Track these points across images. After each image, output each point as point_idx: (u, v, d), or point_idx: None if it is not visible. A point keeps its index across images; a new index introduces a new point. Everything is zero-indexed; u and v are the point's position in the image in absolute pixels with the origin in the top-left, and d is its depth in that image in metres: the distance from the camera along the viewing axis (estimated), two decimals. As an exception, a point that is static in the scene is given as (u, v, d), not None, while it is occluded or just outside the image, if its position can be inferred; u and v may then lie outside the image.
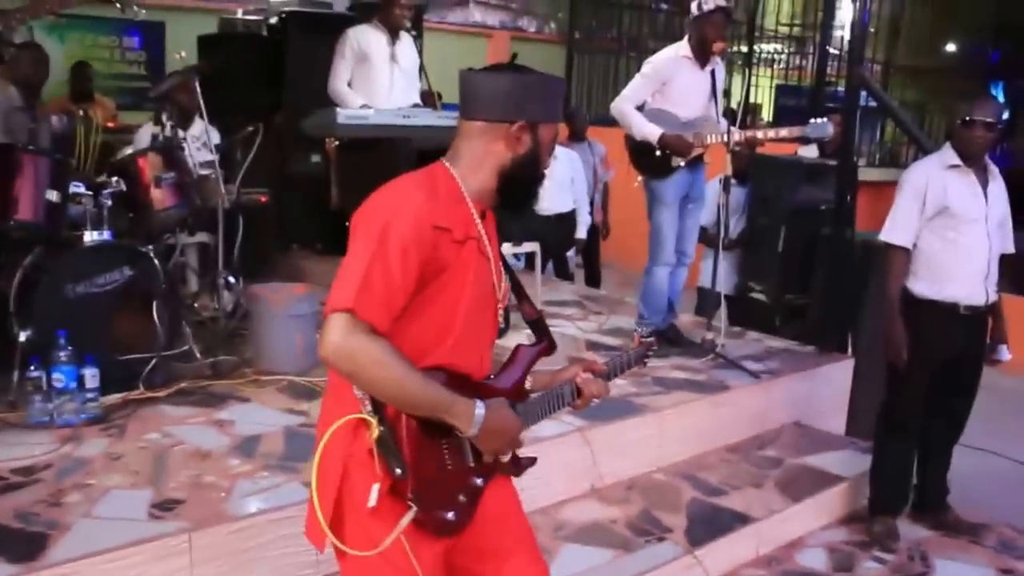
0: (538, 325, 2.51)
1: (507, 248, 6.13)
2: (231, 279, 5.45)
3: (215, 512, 3.40)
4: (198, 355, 4.82)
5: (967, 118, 4.36)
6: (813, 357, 6.08)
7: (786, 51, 14.79)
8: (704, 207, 5.88)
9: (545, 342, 2.48)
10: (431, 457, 2.20)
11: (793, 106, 13.70)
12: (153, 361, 4.48)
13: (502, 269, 2.36)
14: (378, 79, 6.31)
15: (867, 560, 4.46)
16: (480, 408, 2.17)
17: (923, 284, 4.48)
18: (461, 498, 2.28)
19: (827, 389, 5.93)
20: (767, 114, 14.50)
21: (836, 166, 6.33)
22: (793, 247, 6.85)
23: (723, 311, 5.96)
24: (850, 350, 6.27)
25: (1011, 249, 4.62)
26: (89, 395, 4.16)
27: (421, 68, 6.54)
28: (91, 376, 4.16)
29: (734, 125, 5.57)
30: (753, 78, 12.84)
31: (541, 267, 6.72)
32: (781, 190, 6.88)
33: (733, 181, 6.59)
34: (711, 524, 4.30)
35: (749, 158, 6.58)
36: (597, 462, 4.38)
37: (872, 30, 13.15)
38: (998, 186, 4.51)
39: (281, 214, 7.40)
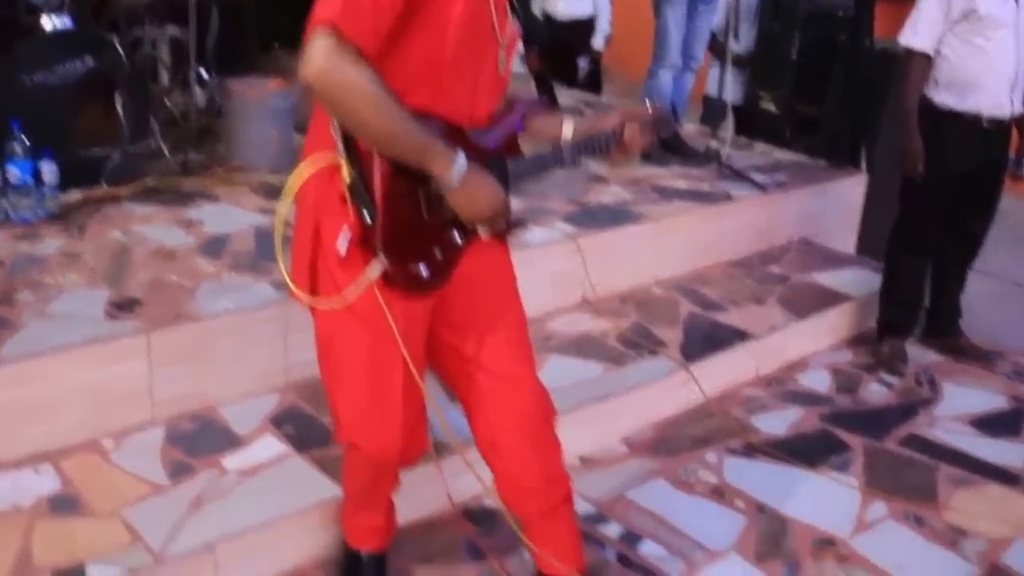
0: (541, 79, 2.36)
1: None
2: (204, 74, 5.19)
3: (177, 312, 3.26)
4: (167, 152, 4.62)
5: None
6: (824, 171, 5.87)
7: None
8: (716, 10, 5.59)
9: (545, 97, 2.32)
10: (406, 206, 2.06)
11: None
12: (116, 156, 4.27)
13: (507, 9, 2.15)
14: None
15: (872, 383, 4.36)
16: (462, 159, 2.00)
17: (944, 93, 4.25)
18: (436, 253, 2.15)
19: (838, 205, 5.75)
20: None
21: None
22: (807, 55, 6.57)
23: (729, 120, 5.73)
24: (864, 165, 6.07)
25: None
26: (47, 191, 3.97)
27: None
28: (49, 171, 3.97)
29: None
30: None
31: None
32: (796, -8, 6.55)
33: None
34: (708, 340, 4.18)
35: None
36: (589, 272, 4.23)
37: None
38: None
39: (263, 12, 7.05)
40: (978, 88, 4.20)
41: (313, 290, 2.14)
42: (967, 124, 4.24)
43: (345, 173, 1.99)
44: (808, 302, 4.68)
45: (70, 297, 3.32)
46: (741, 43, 6.46)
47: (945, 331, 4.74)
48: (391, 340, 2.12)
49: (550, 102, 2.35)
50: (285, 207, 2.09)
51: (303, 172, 2.07)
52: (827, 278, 5.00)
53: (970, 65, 4.19)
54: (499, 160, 2.19)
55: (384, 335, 2.11)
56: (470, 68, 2.08)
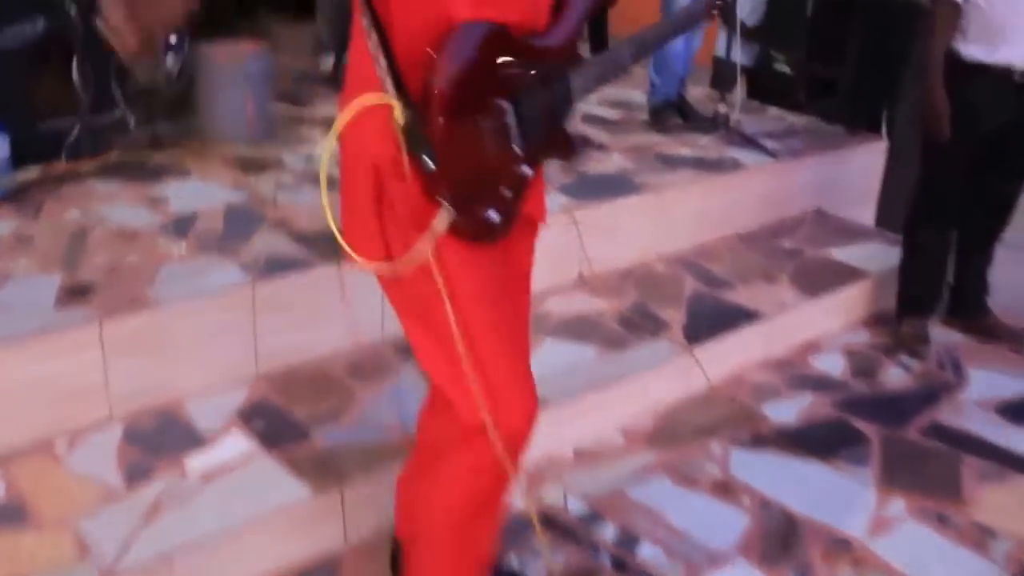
0: None
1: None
2: (174, 38, 5.03)
3: (134, 299, 3.13)
4: (132, 123, 4.47)
5: None
6: (841, 137, 5.71)
7: None
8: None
9: None
10: (468, 143, 1.90)
11: None
12: (76, 128, 4.13)
13: None
14: None
15: (892, 366, 4.22)
16: None
17: (973, 45, 4.07)
18: (506, 192, 2.01)
19: (856, 174, 5.60)
20: None
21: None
22: (823, 11, 6.37)
23: (740, 83, 5.57)
24: (884, 131, 5.91)
25: None
26: (-2, 168, 3.84)
27: None
28: (0, 146, 3.82)
29: None
30: None
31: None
32: (812, -58, 6.35)
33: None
34: (714, 320, 4.05)
35: None
36: (586, 247, 4.09)
37: None
38: None
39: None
40: (1009, 38, 4.00)
41: (388, 254, 1.99)
42: (997, 78, 4.04)
43: (398, 114, 1.83)
44: (822, 279, 4.55)
45: (19, 284, 3.19)
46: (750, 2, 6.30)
47: (971, 309, 4.59)
48: (494, 284, 2.03)
49: None
50: (328, 155, 1.91)
51: (350, 113, 1.89)
52: (843, 253, 4.86)
53: (1001, 12, 3.99)
54: (561, 70, 2.07)
55: (489, 279, 2.02)
56: None
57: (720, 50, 6.38)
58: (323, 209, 1.92)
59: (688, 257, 4.58)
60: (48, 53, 4.08)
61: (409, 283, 2.00)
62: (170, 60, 4.94)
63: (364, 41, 1.87)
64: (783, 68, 6.46)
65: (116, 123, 4.44)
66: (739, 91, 5.57)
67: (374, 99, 1.85)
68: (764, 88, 6.39)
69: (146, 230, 3.64)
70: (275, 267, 3.40)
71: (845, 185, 5.50)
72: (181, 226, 3.70)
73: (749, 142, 5.23)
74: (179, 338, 3.13)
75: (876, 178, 5.72)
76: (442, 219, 1.87)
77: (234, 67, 4.58)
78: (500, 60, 1.92)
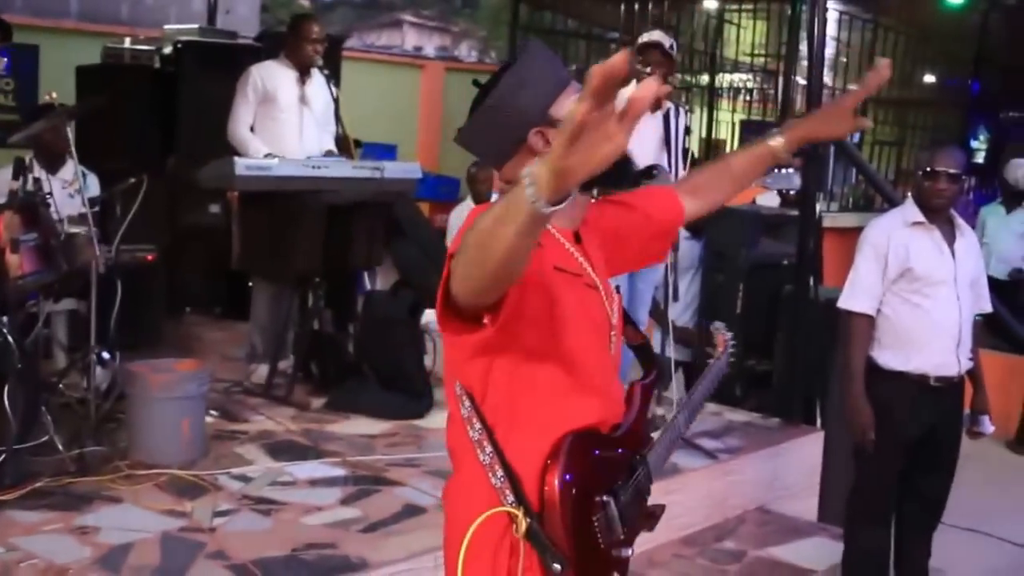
0: (644, 350, 2.47)
1: (431, 315, 5.95)
2: (105, 354, 5.19)
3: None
4: (60, 446, 4.54)
5: (928, 169, 4.31)
6: (778, 431, 5.99)
7: (753, 83, 14.86)
8: (656, 269, 5.76)
9: (653, 371, 2.42)
10: (585, 540, 2.11)
11: (756, 143, 13.70)
12: (2, 456, 4.19)
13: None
14: (286, 123, 6.16)
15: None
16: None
17: (889, 354, 4.39)
18: (614, 574, 2.24)
19: (795, 467, 5.83)
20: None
21: (798, 216, 6.25)
22: (753, 307, 6.76)
23: (676, 381, 5.82)
24: (819, 421, 6.17)
25: (986, 308, 4.61)
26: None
27: (337, 111, 6.35)
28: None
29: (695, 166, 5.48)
30: (717, 112, 12.85)
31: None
32: (738, 244, 6.80)
33: (686, 234, 6.55)
34: (660, 635, 4.13)
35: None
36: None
37: (844, 59, 13.30)
38: (967, 242, 4.47)
39: (172, 274, 7.17)
40: (921, 347, 4.33)
41: None
42: (915, 385, 4.35)
43: (520, 521, 2.04)
44: (766, 581, 4.67)
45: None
46: (682, 300, 6.64)
47: (914, 602, 4.72)
48: None
49: (655, 371, 2.44)
50: None
51: (471, 532, 2.08)
52: (786, 551, 5.02)
53: (911, 324, 4.34)
54: (640, 454, 2.29)
55: None
56: (593, 357, 2.19)
57: (656, 348, 6.69)
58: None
59: (631, 566, 4.66)
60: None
61: None
62: (99, 375, 5.08)
63: (474, 454, 2.10)
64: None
65: (42, 445, 4.51)
66: (676, 391, 5.79)
67: (499, 511, 2.06)
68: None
69: (77, 565, 3.67)
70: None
71: (786, 479, 5.70)
72: (114, 559, 3.74)
73: (688, 445, 5.42)
74: None
75: (815, 469, 5.93)
76: None
77: (168, 389, 4.70)
78: (601, 462, 2.15)
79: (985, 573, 5.57)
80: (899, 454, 4.41)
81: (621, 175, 2.17)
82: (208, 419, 5.10)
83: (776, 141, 2.47)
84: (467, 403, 2.12)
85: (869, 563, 4.58)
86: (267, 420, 5.37)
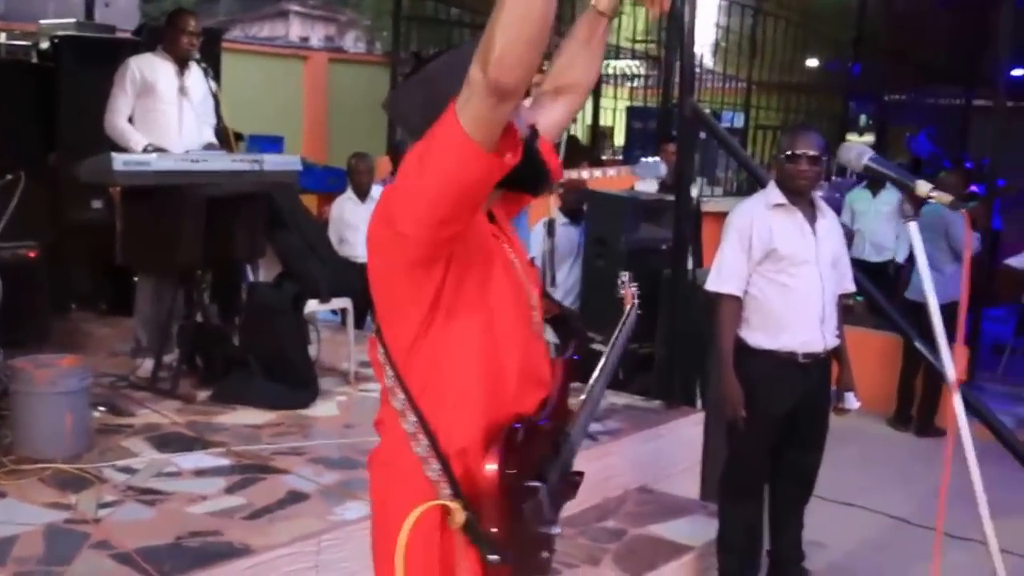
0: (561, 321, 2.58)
1: (314, 305, 6.09)
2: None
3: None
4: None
5: (789, 152, 4.52)
6: (660, 413, 6.20)
7: (640, 70, 15.14)
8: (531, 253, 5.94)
9: (573, 344, 2.53)
10: (519, 525, 2.20)
11: (643, 129, 14.01)
12: None
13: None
14: (165, 116, 6.25)
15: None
16: None
17: (757, 333, 4.62)
18: (545, 555, 2.32)
19: (677, 447, 6.03)
20: (619, 138, 14.79)
21: (673, 202, 6.47)
22: (634, 291, 6.93)
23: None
24: (700, 402, 6.39)
25: (850, 288, 4.85)
26: None
27: (217, 104, 6.44)
28: None
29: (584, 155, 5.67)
30: (605, 100, 13.07)
31: (356, 323, 6.66)
32: (618, 230, 6.96)
33: (564, 220, 6.73)
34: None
35: (579, 195, 6.68)
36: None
37: (723, 45, 13.65)
38: (829, 222, 4.69)
39: (57, 271, 7.18)
40: (787, 326, 4.57)
41: None
42: (783, 362, 4.59)
43: (457, 514, 2.13)
44: (644, 556, 4.88)
45: None
46: (563, 287, 6.84)
47: (787, 575, 4.96)
48: None
49: (578, 343, 2.58)
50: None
51: (409, 524, 2.13)
52: (665, 528, 5.21)
53: (776, 303, 4.57)
54: (563, 431, 2.40)
55: None
56: (520, 337, 2.29)
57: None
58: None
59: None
60: None
61: None
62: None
63: (408, 446, 2.19)
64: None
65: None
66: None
67: (435, 503, 2.16)
68: (584, 368, 6.81)
69: (-41, 561, 3.75)
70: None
71: (667, 459, 5.91)
72: (-2, 551, 3.82)
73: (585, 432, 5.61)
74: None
75: (697, 450, 6.15)
76: None
77: (51, 384, 4.76)
78: (531, 447, 2.22)
79: (862, 544, 5.85)
80: (769, 430, 4.65)
81: (538, 177, 2.31)
82: (95, 414, 5.19)
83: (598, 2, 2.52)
84: (400, 395, 2.19)
85: (741, 537, 4.83)
86: (153, 413, 5.44)
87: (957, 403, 2.86)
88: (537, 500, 2.23)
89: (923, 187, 2.79)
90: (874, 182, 9.59)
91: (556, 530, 2.34)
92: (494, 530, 2.16)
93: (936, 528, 3.03)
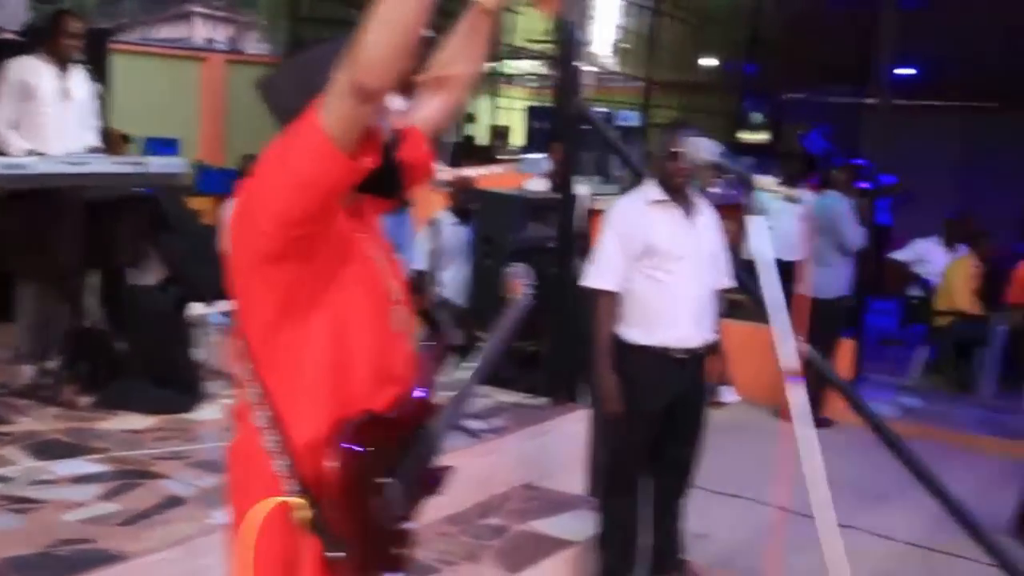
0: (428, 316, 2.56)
1: (202, 308, 6.08)
2: None
3: None
4: None
5: (670, 150, 4.59)
6: (546, 410, 6.25)
7: (539, 69, 15.24)
8: (415, 252, 5.99)
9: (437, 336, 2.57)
10: (367, 521, 2.23)
11: (542, 129, 14.08)
12: None
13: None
14: (46, 119, 6.20)
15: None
16: None
17: (633, 329, 4.69)
18: (395, 551, 2.34)
19: (562, 444, 6.08)
20: (519, 137, 14.86)
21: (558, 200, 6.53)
22: (522, 289, 6.99)
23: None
24: (588, 400, 6.46)
25: (727, 284, 4.92)
26: None
27: (101, 106, 6.40)
28: None
29: (471, 155, 5.73)
30: (503, 99, 13.12)
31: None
32: (506, 228, 7.03)
33: (453, 220, 6.78)
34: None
35: (469, 195, 6.73)
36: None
37: (627, 46, 13.82)
38: (707, 218, 4.78)
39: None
40: (663, 321, 4.64)
41: None
42: (658, 358, 4.66)
43: (302, 511, 2.16)
44: (526, 552, 4.94)
45: None
46: (451, 285, 6.89)
47: (670, 568, 5.04)
48: None
49: (444, 337, 2.58)
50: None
51: (255, 519, 2.17)
52: (548, 525, 5.27)
53: (653, 299, 4.65)
54: (422, 424, 2.42)
55: None
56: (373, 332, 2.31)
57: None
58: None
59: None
60: None
61: None
62: None
63: (259, 440, 2.21)
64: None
65: None
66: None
67: (280, 500, 2.18)
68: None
69: None
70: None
71: (552, 456, 5.97)
72: None
73: (451, 426, 5.65)
74: None
75: (582, 445, 6.18)
76: None
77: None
78: (380, 443, 2.25)
79: (746, 534, 5.93)
80: (646, 425, 4.72)
81: (393, 183, 2.33)
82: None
83: None
84: (254, 389, 2.23)
85: (621, 533, 4.90)
86: (33, 421, 5.38)
87: (793, 393, 2.97)
88: (386, 496, 2.27)
89: (762, 181, 2.89)
90: (788, 180, 9.73)
91: (411, 525, 2.38)
92: (338, 526, 2.18)
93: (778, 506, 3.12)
